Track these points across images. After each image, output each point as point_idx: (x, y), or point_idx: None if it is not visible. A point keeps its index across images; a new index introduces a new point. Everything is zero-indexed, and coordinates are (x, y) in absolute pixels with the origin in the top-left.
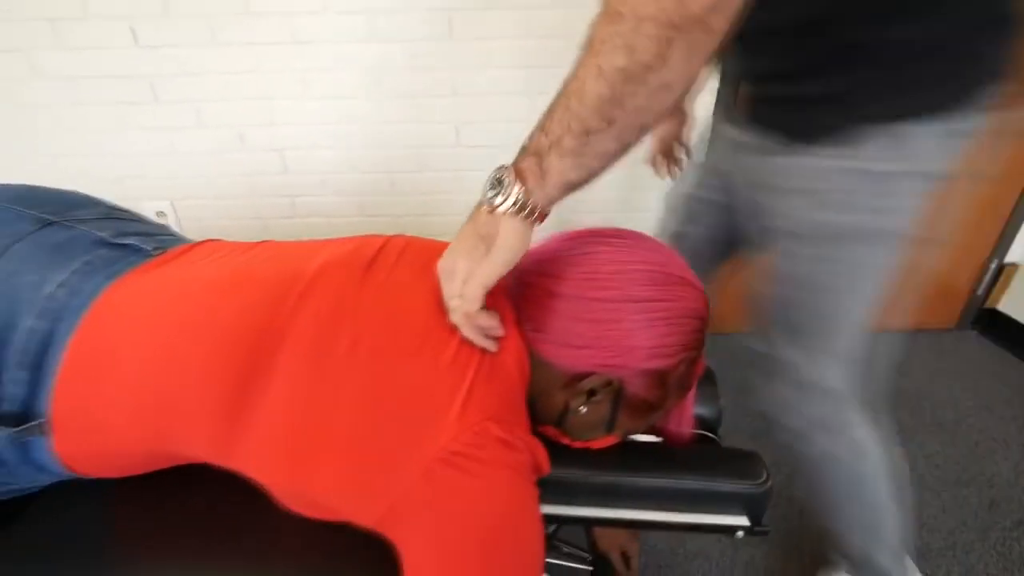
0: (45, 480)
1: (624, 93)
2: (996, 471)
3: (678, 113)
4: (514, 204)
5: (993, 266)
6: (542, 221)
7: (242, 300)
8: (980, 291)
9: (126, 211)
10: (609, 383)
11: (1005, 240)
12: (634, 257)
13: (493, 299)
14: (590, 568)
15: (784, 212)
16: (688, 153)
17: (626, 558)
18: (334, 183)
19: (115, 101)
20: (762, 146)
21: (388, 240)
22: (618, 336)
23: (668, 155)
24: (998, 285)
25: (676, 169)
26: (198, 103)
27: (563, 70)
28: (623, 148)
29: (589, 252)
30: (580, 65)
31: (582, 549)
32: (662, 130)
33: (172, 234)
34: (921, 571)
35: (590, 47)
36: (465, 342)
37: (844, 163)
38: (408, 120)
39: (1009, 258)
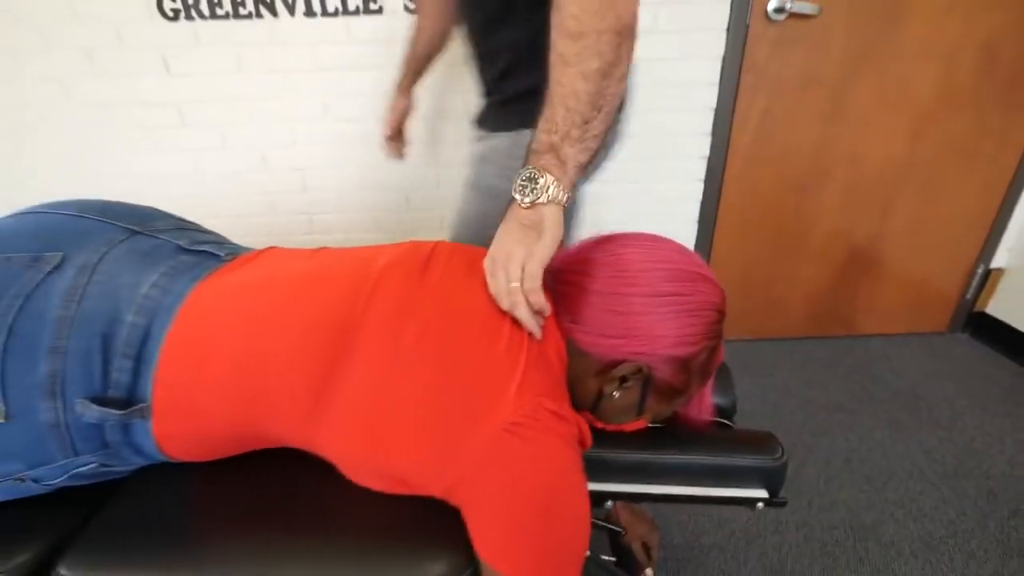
0: (139, 463)
1: (603, 87)
2: (992, 464)
3: (407, 102)
4: (550, 193)
5: (980, 271)
6: (568, 203)
7: (320, 296)
8: (969, 295)
9: (191, 223)
10: (639, 370)
11: (990, 246)
12: (659, 256)
13: None
14: (613, 559)
15: (477, 174)
16: (406, 138)
17: (647, 548)
18: (351, 201)
19: (144, 125)
20: (479, 134)
21: (436, 245)
22: (647, 326)
23: (396, 138)
24: (985, 289)
25: (403, 150)
26: (223, 127)
27: None
28: (607, 128)
29: (618, 253)
30: (562, 76)
31: (615, 524)
32: (393, 118)
33: (233, 243)
34: (925, 559)
35: (565, 62)
36: (514, 332)
37: (511, 147)
38: (424, 141)
39: (995, 263)
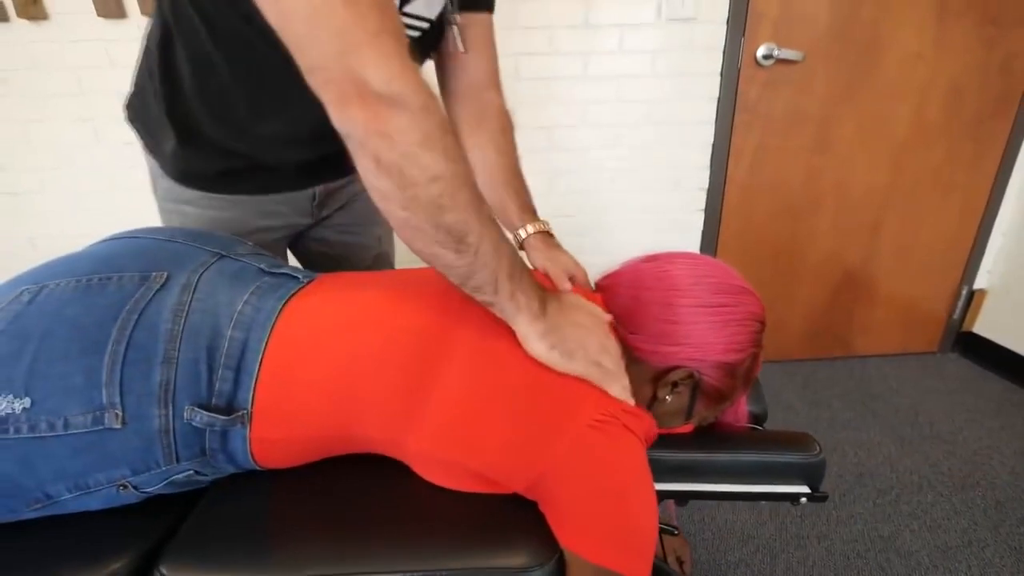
0: (228, 470)
1: None
2: (996, 475)
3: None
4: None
5: (964, 292)
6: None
7: (414, 303)
8: (956, 315)
9: (263, 250)
10: (691, 375)
11: (971, 268)
12: (704, 271)
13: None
14: None
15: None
16: None
17: (680, 562)
18: None
19: None
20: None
21: None
22: (700, 335)
23: None
24: (971, 310)
25: None
26: None
27: (614, 106)
28: None
29: (666, 269)
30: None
31: (668, 524)
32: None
33: (304, 269)
34: (945, 568)
35: None
36: None
37: None
38: None
39: (977, 284)
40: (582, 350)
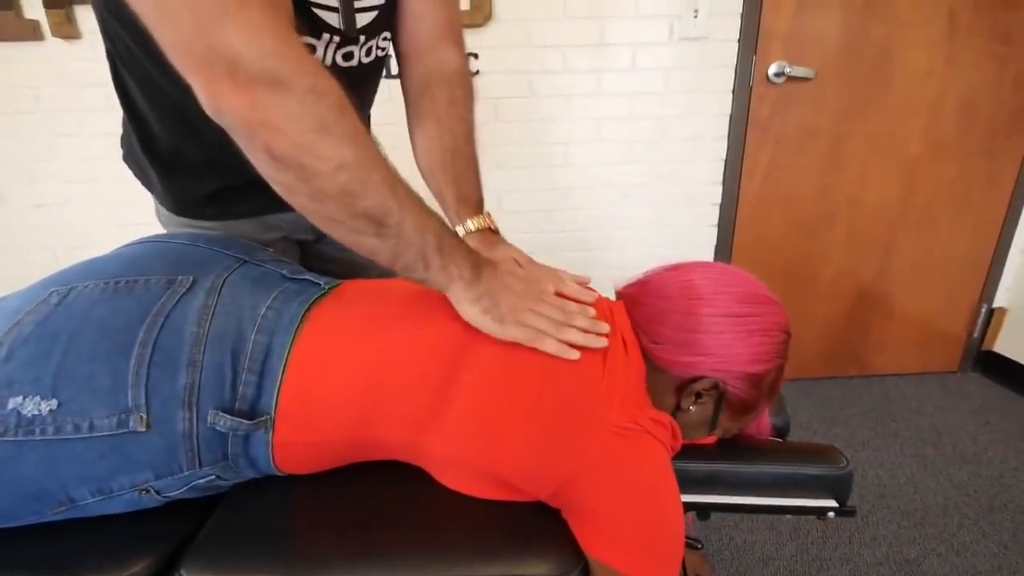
0: (249, 475)
1: None
2: (1023, 498)
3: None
4: None
5: (983, 310)
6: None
7: (437, 306)
8: (976, 334)
9: (283, 257)
10: (715, 386)
11: (990, 286)
12: (729, 280)
13: (615, 317)
14: None
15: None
16: None
17: None
18: None
19: None
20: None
21: None
22: (725, 345)
23: None
24: (991, 328)
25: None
26: None
27: (628, 122)
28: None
29: (692, 279)
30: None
31: (692, 538)
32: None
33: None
34: None
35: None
36: (610, 344)
37: None
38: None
39: (996, 303)
40: (512, 314)
